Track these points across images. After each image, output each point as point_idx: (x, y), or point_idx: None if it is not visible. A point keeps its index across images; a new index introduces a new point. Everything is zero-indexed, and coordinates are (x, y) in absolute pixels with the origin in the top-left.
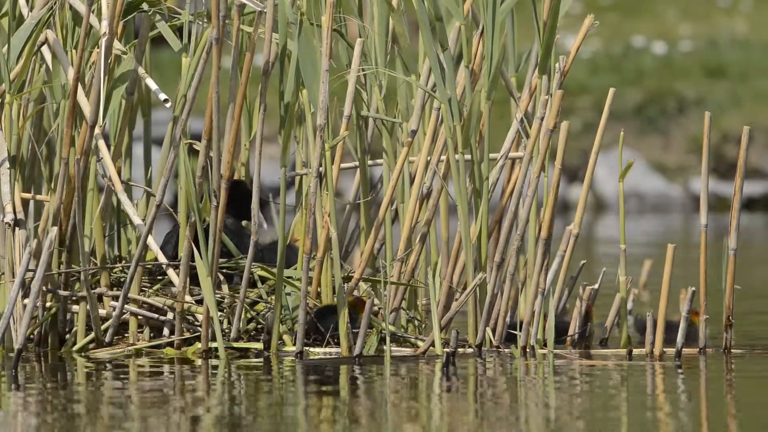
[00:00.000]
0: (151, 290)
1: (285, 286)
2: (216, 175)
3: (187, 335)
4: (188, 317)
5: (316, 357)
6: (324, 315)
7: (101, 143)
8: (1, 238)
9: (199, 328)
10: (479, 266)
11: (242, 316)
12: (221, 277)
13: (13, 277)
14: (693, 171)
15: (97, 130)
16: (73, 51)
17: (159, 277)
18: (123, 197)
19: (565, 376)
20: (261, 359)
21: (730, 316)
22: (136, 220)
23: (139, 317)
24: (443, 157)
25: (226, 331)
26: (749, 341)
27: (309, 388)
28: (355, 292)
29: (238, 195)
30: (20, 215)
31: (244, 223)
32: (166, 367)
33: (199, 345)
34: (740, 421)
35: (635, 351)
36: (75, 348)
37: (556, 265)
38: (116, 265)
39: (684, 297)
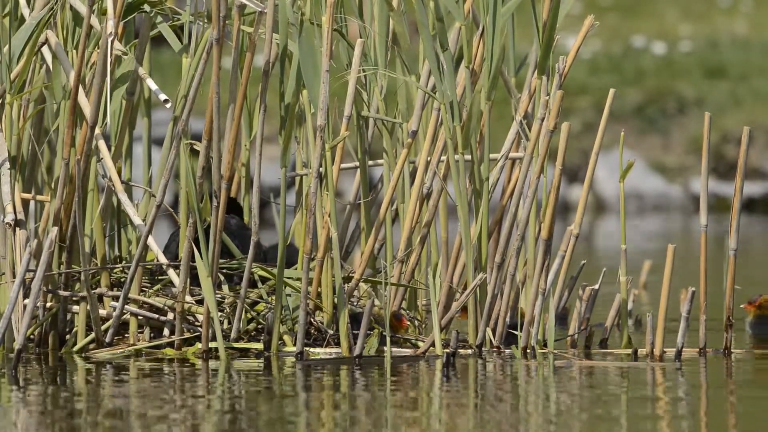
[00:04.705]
0: (151, 290)
1: (285, 287)
2: (216, 175)
3: (187, 335)
4: (188, 317)
5: (317, 357)
6: None
7: (101, 143)
8: (2, 239)
9: (199, 329)
10: (479, 267)
11: (242, 316)
12: (221, 278)
13: (14, 277)
14: (693, 171)
15: (97, 131)
16: (74, 51)
17: (159, 278)
18: (123, 197)
19: (565, 377)
20: (261, 360)
21: (731, 316)
22: (137, 220)
23: (140, 317)
24: (443, 158)
25: (227, 331)
26: (749, 341)
27: (309, 388)
28: (356, 293)
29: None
30: (21, 215)
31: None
32: (166, 368)
33: (199, 345)
34: (740, 421)
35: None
36: (75, 348)
37: (556, 265)
38: (116, 266)
39: (684, 297)
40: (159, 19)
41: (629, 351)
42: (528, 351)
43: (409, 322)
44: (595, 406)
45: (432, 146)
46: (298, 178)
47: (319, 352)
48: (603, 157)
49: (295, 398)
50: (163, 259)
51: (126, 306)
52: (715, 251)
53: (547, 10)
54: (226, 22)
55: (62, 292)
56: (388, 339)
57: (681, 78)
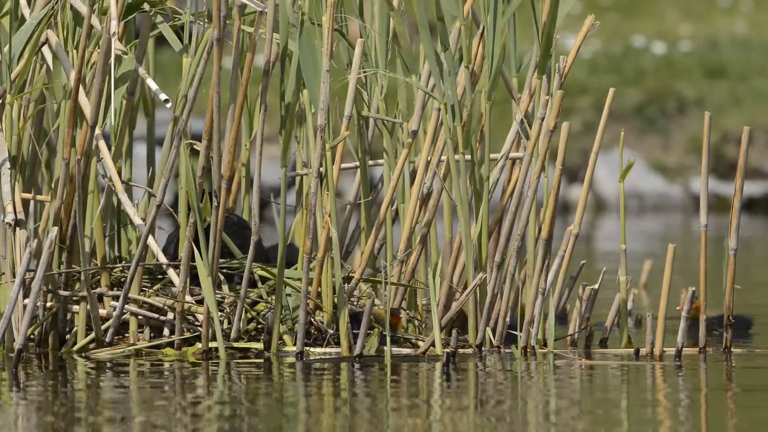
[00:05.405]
0: (151, 290)
1: (285, 286)
2: (216, 175)
3: (187, 335)
4: (188, 317)
5: (317, 357)
6: None
7: (102, 143)
8: (2, 238)
9: (199, 328)
10: (479, 266)
11: (242, 316)
12: (221, 277)
13: (14, 277)
14: (693, 171)
15: (97, 131)
16: (74, 51)
17: (159, 277)
18: (123, 197)
19: (565, 377)
20: (261, 359)
21: (730, 316)
22: (137, 220)
23: (140, 317)
24: (443, 158)
25: (227, 331)
26: (749, 341)
27: (309, 388)
28: (356, 293)
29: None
30: (21, 215)
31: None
32: (166, 367)
33: (199, 345)
34: (741, 420)
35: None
36: (75, 348)
37: (556, 265)
38: (116, 265)
39: (684, 297)
40: (159, 18)
41: (629, 350)
42: (528, 351)
43: (402, 317)
44: (595, 405)
45: (432, 146)
46: (298, 178)
47: (319, 352)
48: (603, 157)
49: (295, 398)
50: (163, 259)
51: (126, 306)
52: (715, 251)
53: (547, 10)
54: (227, 21)
55: (62, 292)
56: (388, 339)
57: (681, 78)
